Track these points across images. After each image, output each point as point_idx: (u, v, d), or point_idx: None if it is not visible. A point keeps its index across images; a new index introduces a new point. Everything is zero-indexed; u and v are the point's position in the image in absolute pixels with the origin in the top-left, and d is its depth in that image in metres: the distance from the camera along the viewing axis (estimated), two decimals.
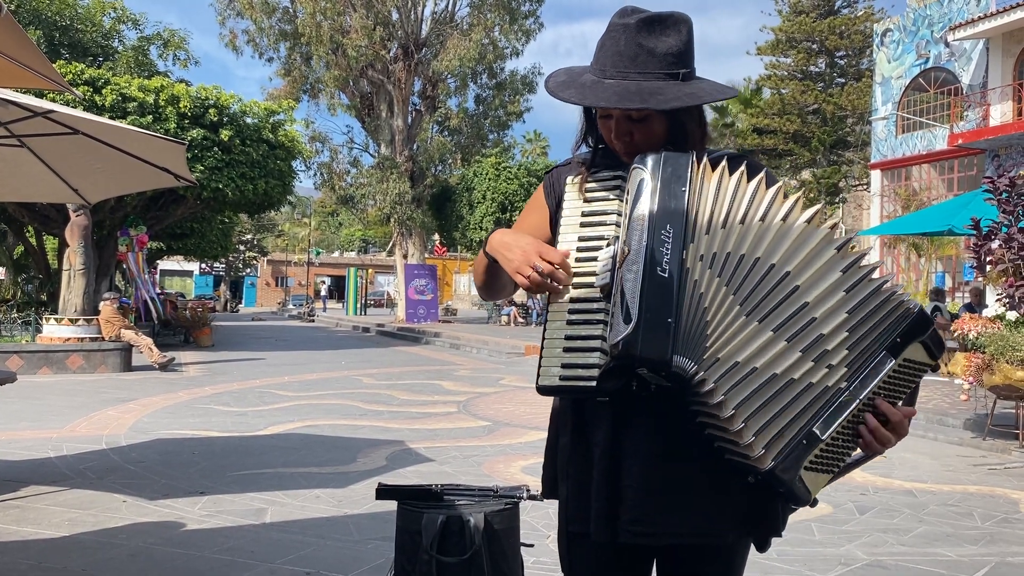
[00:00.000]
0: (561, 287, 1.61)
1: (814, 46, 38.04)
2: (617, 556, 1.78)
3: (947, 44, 25.09)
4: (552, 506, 5.62)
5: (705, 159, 1.60)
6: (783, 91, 38.51)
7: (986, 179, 8.69)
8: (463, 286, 57.87)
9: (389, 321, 31.86)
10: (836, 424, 1.51)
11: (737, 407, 1.47)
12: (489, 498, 2.78)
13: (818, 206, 1.59)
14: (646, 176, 1.55)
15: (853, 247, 1.57)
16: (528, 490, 2.87)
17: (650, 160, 1.57)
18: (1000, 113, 23.30)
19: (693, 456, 1.65)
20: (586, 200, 1.71)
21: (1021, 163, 21.18)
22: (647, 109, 1.64)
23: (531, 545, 3.01)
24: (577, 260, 1.64)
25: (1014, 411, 8.00)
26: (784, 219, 1.55)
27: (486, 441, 8.01)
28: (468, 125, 31.55)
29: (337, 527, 5.03)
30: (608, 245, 1.61)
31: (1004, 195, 8.27)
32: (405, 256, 31.45)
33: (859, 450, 1.60)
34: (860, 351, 1.53)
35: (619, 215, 1.63)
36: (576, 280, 1.62)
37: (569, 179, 1.77)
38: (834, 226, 1.58)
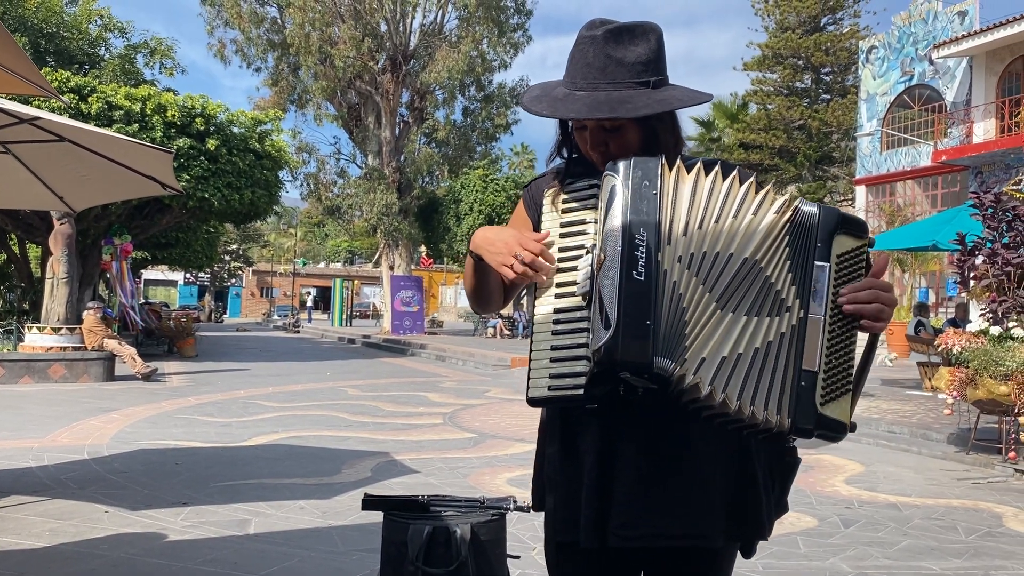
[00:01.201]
0: (544, 276, 1.63)
1: (800, 62, 38.30)
2: (605, 565, 1.78)
3: (931, 62, 25.32)
4: (538, 518, 5.58)
5: (678, 161, 1.61)
6: (769, 106, 38.74)
7: (972, 194, 8.76)
8: (449, 298, 57.84)
9: (375, 333, 31.77)
10: (820, 349, 1.52)
11: (727, 390, 1.49)
12: (476, 509, 2.76)
13: (785, 197, 1.61)
14: (617, 182, 1.56)
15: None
16: (515, 501, 2.86)
17: (621, 166, 1.58)
18: (983, 130, 23.51)
19: (681, 460, 1.67)
20: (563, 211, 1.72)
21: (1004, 180, 21.33)
22: (618, 118, 1.66)
23: (517, 557, 2.99)
24: (559, 271, 1.65)
25: (997, 426, 8.03)
26: (755, 214, 1.57)
27: (472, 453, 7.98)
28: (456, 137, 31.60)
29: (322, 538, 5.00)
30: (587, 253, 1.62)
31: (989, 210, 8.33)
32: (391, 267, 31.40)
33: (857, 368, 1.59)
34: (801, 278, 1.55)
35: (596, 223, 1.64)
36: (559, 290, 1.63)
37: (546, 191, 1.78)
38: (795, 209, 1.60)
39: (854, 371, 1.57)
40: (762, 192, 1.60)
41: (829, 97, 38.61)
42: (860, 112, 28.48)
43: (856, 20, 38.20)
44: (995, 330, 7.87)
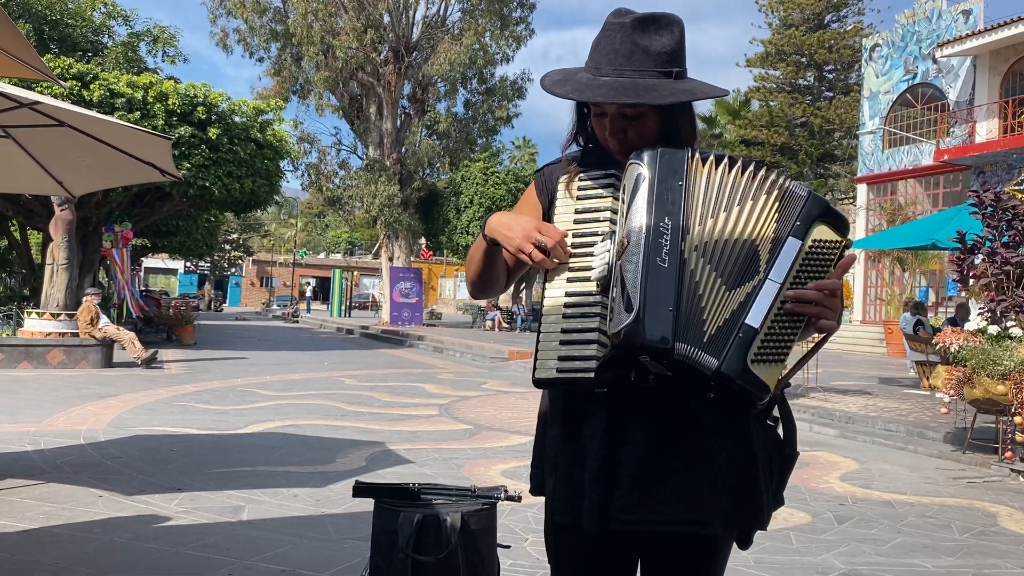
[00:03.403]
0: (559, 263, 1.65)
1: (803, 59, 38.24)
2: (604, 547, 1.79)
3: (935, 60, 25.27)
4: (530, 509, 5.58)
5: (698, 153, 1.65)
6: (772, 103, 38.70)
7: (971, 192, 8.76)
8: (448, 290, 57.85)
9: (373, 323, 31.75)
10: (766, 312, 1.57)
11: (697, 344, 1.55)
12: (466, 498, 2.76)
13: (772, 176, 1.66)
14: (643, 170, 1.60)
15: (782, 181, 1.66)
16: (506, 491, 2.86)
17: (647, 155, 1.61)
18: (986, 130, 23.47)
19: (687, 447, 1.68)
20: (578, 198, 1.74)
21: (1006, 180, 21.31)
22: (642, 105, 1.68)
23: (508, 546, 3.00)
24: (572, 256, 1.67)
25: (994, 425, 8.04)
26: (753, 199, 1.62)
27: (467, 444, 7.98)
28: (457, 129, 31.56)
29: (314, 526, 5.00)
30: (603, 240, 1.65)
31: (989, 209, 8.32)
32: (391, 259, 31.37)
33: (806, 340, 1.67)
34: (772, 246, 1.60)
35: (612, 212, 1.68)
36: (571, 275, 1.66)
37: (560, 177, 1.80)
38: (780, 185, 1.65)
39: (791, 347, 1.63)
40: (759, 177, 1.64)
41: (832, 95, 38.58)
42: (862, 110, 28.44)
43: (860, 18, 38.19)
44: (993, 329, 7.87)
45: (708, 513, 1.67)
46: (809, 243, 1.60)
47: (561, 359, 1.60)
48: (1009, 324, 7.95)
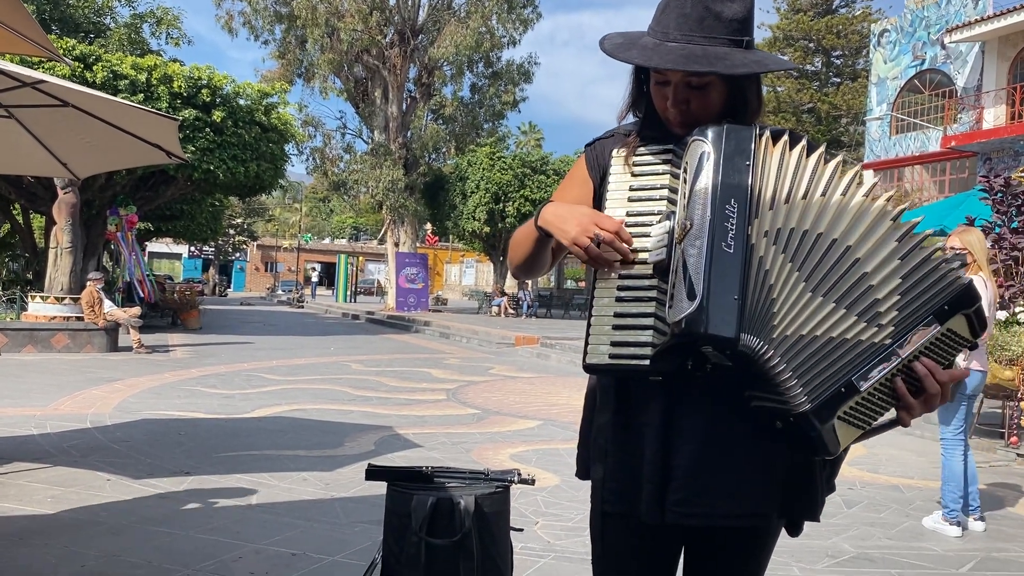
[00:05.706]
0: (619, 258, 1.55)
1: (811, 45, 38.08)
2: (655, 535, 1.74)
3: (943, 46, 25.12)
4: (540, 492, 5.56)
5: (767, 132, 1.55)
6: (779, 89, 38.55)
7: (982, 179, 8.71)
8: (454, 276, 57.86)
9: (379, 309, 31.78)
10: (875, 378, 1.46)
11: (794, 370, 1.43)
12: (480, 481, 2.75)
13: (874, 180, 1.57)
14: (708, 148, 1.50)
15: (903, 211, 1.55)
16: (519, 474, 2.84)
17: (711, 132, 1.51)
18: (994, 116, 23.35)
19: (742, 438, 1.61)
20: (634, 174, 1.65)
21: (1013, 167, 21.23)
22: (713, 73, 1.58)
23: (520, 530, 2.98)
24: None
25: (1000, 410, 8.01)
26: (844, 194, 1.51)
27: (475, 428, 7.98)
28: (463, 114, 31.44)
29: (324, 510, 4.99)
30: (660, 220, 1.56)
31: (999, 195, 8.28)
32: (396, 244, 31.35)
33: (891, 414, 1.55)
34: (908, 313, 1.48)
35: (670, 190, 1.58)
36: None
37: (615, 151, 1.71)
38: (889, 198, 1.54)
39: (879, 420, 1.54)
40: (850, 173, 1.54)
41: (839, 80, 38.46)
42: (870, 96, 28.30)
43: (868, 3, 38.23)
44: (1001, 315, 7.84)
45: (763, 506, 1.63)
46: (944, 330, 1.50)
47: (614, 344, 1.52)
48: (1017, 310, 7.93)
